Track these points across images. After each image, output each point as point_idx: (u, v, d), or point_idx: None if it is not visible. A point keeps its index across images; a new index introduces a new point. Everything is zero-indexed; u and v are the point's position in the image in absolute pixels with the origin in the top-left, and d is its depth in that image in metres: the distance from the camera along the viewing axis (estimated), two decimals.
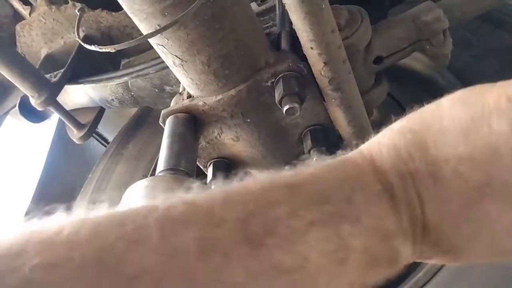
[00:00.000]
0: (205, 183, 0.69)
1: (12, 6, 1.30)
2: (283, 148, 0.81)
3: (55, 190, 1.34)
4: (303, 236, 0.28)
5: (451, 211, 0.30)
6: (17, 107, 1.23)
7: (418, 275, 0.79)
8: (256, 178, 0.30)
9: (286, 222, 0.28)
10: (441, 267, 0.77)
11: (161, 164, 0.65)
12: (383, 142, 0.32)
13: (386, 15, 0.90)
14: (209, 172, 0.79)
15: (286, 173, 0.31)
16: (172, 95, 0.90)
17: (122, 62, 1.32)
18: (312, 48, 0.59)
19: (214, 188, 0.30)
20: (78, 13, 0.79)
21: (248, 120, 0.71)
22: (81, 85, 1.18)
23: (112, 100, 1.17)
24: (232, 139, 0.75)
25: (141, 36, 0.58)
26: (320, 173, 0.31)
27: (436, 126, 0.30)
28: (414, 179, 0.30)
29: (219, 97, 0.68)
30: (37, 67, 1.22)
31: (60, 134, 1.71)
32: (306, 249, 0.27)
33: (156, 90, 1.07)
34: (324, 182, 0.30)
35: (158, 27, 0.56)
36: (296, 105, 0.62)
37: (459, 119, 0.30)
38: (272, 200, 0.29)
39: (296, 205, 0.29)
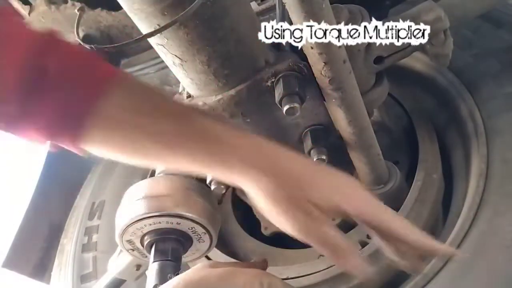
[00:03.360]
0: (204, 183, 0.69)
1: (11, 6, 1.30)
2: None
3: (55, 190, 1.33)
4: None
5: None
6: None
7: (416, 279, 0.79)
8: None
9: None
10: (441, 268, 0.77)
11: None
12: None
13: (387, 14, 0.89)
14: None
15: None
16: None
17: (122, 62, 1.32)
18: (312, 48, 0.59)
19: None
20: (78, 13, 0.79)
21: (248, 120, 0.71)
22: None
23: None
24: None
25: (141, 36, 0.58)
26: None
27: None
28: None
29: (219, 97, 0.67)
30: None
31: None
32: None
33: None
34: None
35: (157, 27, 0.56)
36: (296, 105, 0.62)
37: None
38: None
39: None
